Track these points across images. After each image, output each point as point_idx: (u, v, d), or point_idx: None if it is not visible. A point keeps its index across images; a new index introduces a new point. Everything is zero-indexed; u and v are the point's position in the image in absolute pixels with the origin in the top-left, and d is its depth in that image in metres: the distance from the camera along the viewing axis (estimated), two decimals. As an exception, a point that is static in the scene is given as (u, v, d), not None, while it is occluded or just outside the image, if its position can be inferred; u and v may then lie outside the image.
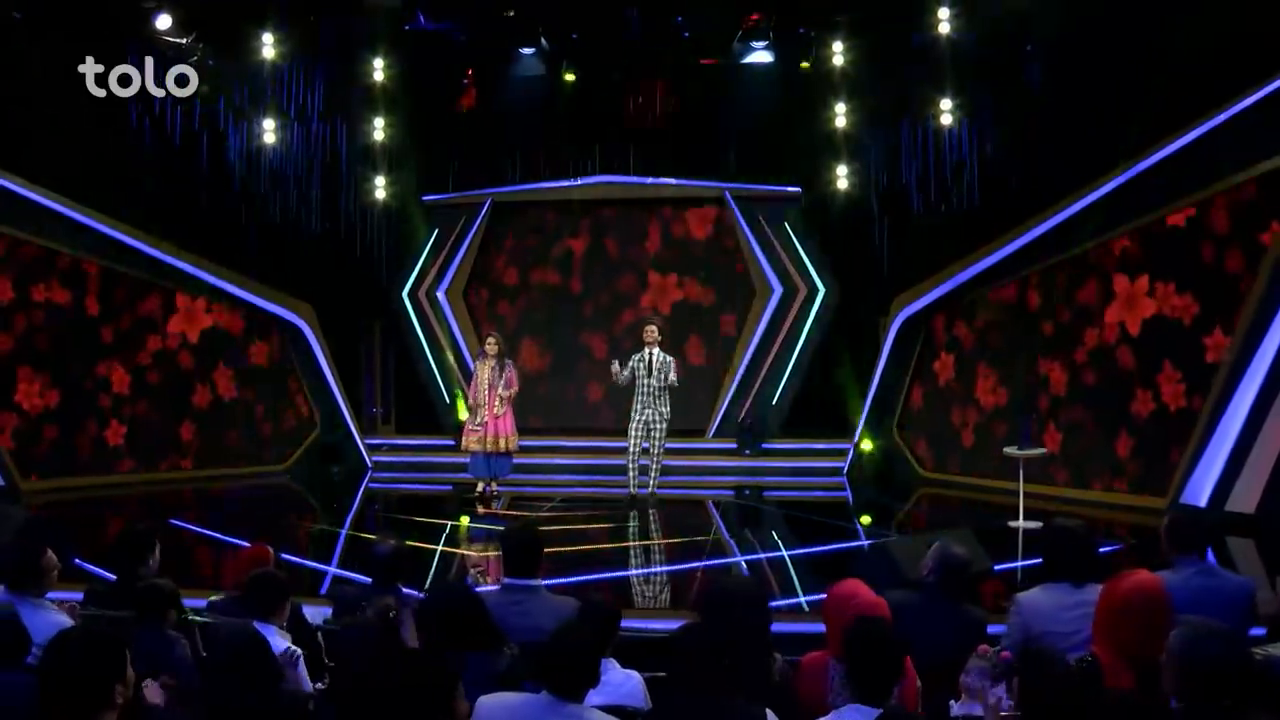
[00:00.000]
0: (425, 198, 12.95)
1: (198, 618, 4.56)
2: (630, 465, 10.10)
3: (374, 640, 3.30)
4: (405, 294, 13.06)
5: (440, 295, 13.00)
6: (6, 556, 4.14)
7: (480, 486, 10.20)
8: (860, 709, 2.99)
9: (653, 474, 10.09)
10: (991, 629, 4.44)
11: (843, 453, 11.83)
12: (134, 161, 11.18)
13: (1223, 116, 8.52)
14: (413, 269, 13.06)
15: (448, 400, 12.97)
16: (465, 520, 10.02)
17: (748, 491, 11.51)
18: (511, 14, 11.22)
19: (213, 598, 4.85)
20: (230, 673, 3.18)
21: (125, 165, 11.14)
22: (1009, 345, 10.70)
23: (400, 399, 13.25)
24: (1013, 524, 8.49)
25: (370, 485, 11.93)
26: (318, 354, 12.17)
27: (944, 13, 10.60)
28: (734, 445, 12.32)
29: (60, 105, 10.20)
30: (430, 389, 13.08)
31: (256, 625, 4.18)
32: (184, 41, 11.17)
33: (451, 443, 12.55)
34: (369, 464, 12.42)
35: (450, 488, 11.97)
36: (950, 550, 4.56)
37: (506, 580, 4.37)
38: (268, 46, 11.30)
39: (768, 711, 3.19)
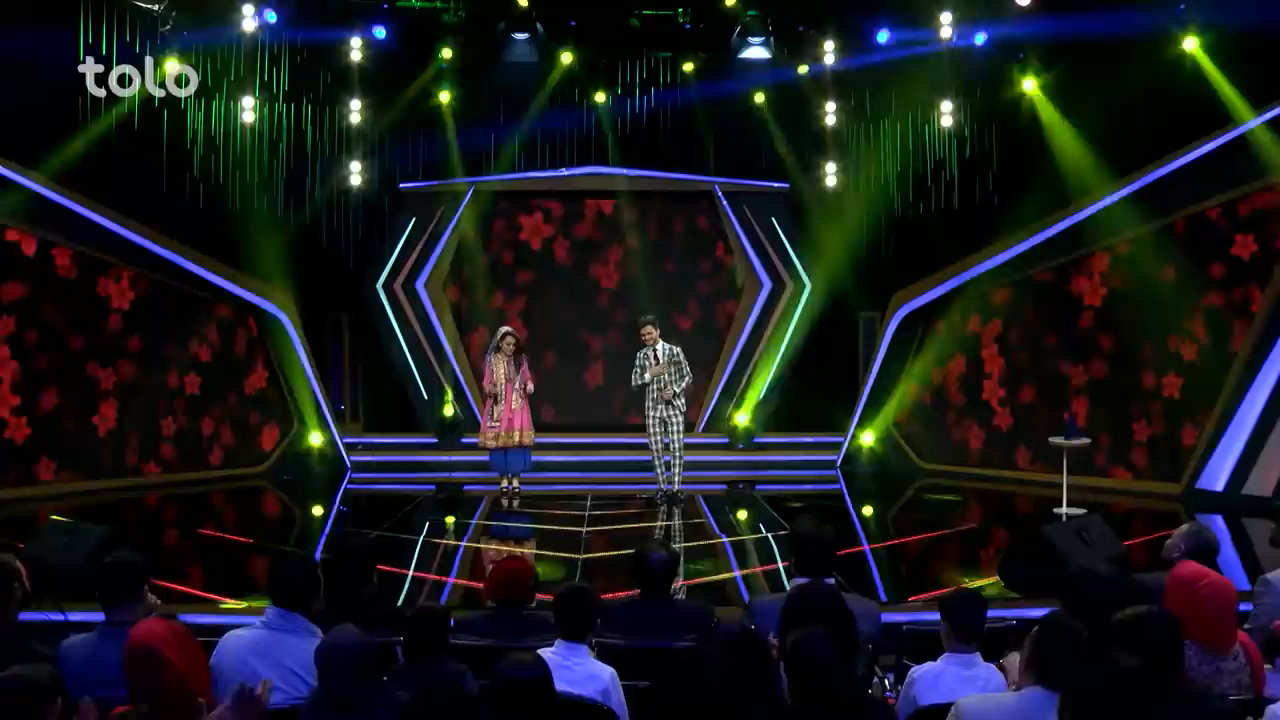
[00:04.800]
0: (403, 185, 12.34)
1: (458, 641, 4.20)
2: (656, 462, 9.99)
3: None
4: (379, 285, 12.43)
5: (419, 287, 12.43)
6: (295, 576, 3.79)
7: (504, 484, 9.95)
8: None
9: (676, 469, 9.99)
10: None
11: (835, 446, 11.97)
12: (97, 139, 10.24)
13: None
14: (387, 260, 12.43)
15: (425, 396, 12.43)
16: (450, 520, 9.81)
17: (741, 486, 11.52)
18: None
19: (460, 615, 4.48)
20: None
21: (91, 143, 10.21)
22: (1014, 339, 11.06)
23: (371, 395, 12.59)
24: (1058, 511, 8.84)
25: (349, 487, 11.33)
26: (298, 348, 11.43)
27: (946, 17, 10.89)
28: (724, 440, 12.30)
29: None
30: (405, 385, 12.49)
31: (563, 648, 3.89)
32: (156, 8, 10.33)
33: (432, 440, 12.08)
34: (348, 464, 11.76)
35: (434, 487, 11.52)
36: (1202, 532, 4.70)
37: (800, 581, 4.23)
38: (246, 19, 10.55)
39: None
